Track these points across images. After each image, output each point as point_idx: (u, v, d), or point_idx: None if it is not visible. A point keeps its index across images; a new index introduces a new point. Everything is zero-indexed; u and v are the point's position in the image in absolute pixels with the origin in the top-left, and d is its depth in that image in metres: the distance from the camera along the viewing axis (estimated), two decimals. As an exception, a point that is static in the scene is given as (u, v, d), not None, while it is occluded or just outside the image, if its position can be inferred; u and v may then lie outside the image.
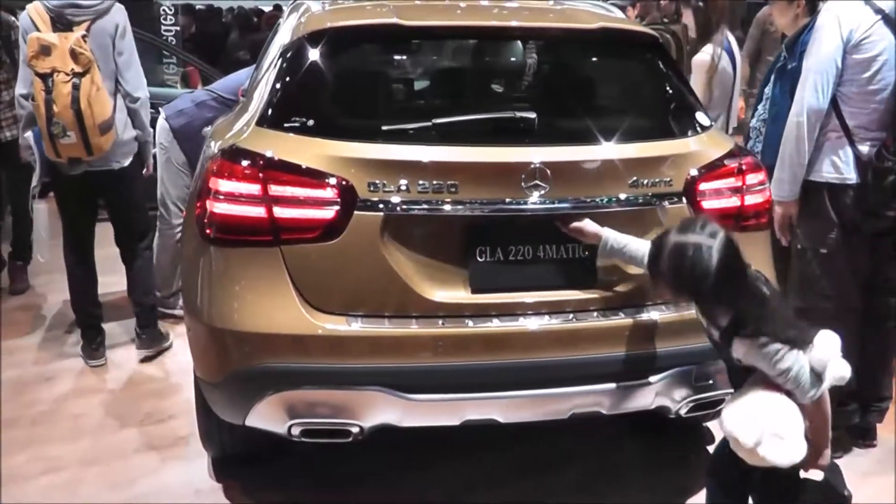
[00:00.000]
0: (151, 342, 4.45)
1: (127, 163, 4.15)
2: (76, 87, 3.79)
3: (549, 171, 2.58)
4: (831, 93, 3.31)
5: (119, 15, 4.08)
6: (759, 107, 3.94)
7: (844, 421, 3.47)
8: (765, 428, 2.25)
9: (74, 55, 3.79)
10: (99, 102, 3.86)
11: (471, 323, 2.59)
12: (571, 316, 2.66)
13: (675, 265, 2.28)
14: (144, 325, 4.43)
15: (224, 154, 2.66)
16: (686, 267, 2.25)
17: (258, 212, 2.53)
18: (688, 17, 5.44)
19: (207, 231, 2.61)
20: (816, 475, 2.47)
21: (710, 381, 2.78)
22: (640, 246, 2.60)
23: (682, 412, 2.84)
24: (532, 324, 2.62)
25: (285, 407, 2.59)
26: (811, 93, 3.31)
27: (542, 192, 2.59)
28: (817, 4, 3.67)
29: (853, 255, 3.39)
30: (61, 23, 3.90)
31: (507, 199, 2.59)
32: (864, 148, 3.31)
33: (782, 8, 3.83)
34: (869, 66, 3.26)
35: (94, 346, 4.39)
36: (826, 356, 2.30)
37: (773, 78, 3.83)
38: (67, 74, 3.78)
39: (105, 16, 4.01)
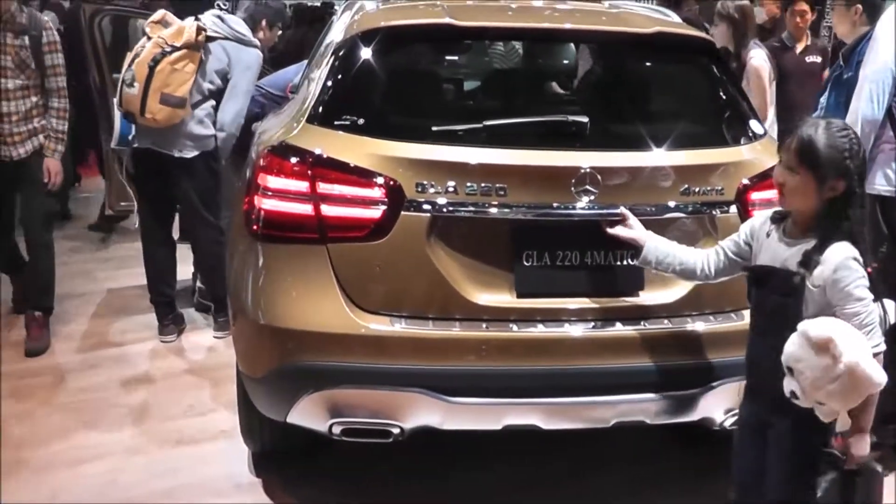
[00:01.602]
0: (227, 325, 4.43)
1: (190, 155, 4.24)
2: (164, 53, 3.98)
3: (599, 177, 2.55)
4: (887, 103, 3.23)
5: (254, 56, 4.37)
6: (814, 116, 3.87)
7: (887, 439, 3.39)
8: (858, 338, 2.10)
9: (181, 34, 4.03)
10: (176, 76, 4.03)
11: (515, 327, 2.57)
12: (617, 323, 2.62)
13: (834, 140, 2.18)
14: (221, 311, 4.47)
15: (273, 150, 2.67)
16: (844, 142, 2.19)
17: (306, 209, 2.54)
18: (717, 30, 5.37)
19: (255, 227, 2.62)
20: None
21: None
22: (687, 256, 2.55)
23: (727, 424, 2.79)
24: (577, 330, 2.60)
25: (327, 405, 2.59)
26: (866, 103, 3.25)
27: (592, 197, 2.56)
28: (877, 13, 3.59)
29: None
30: (198, 27, 4.12)
31: (556, 204, 2.57)
32: None
33: (840, 15, 3.78)
34: None
35: (166, 323, 4.55)
36: (892, 316, 2.22)
37: (828, 87, 3.76)
38: (167, 42, 4.01)
39: (239, 44, 4.31)
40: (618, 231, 2.58)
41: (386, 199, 2.52)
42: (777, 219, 2.38)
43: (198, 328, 4.75)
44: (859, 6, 3.65)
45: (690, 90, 3.07)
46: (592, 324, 2.62)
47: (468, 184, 2.53)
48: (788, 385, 2.18)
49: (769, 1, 6.29)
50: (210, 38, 4.18)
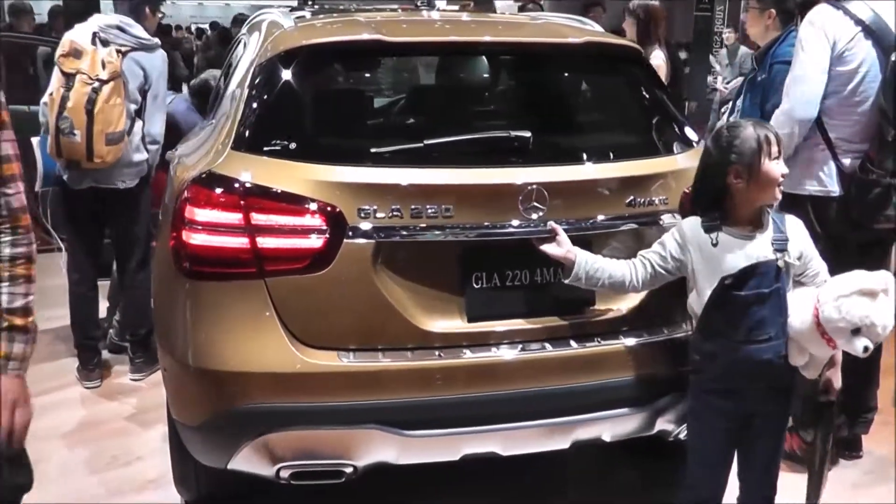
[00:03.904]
0: (145, 366, 4.34)
1: (133, 184, 4.10)
2: (95, 91, 3.80)
3: (545, 193, 2.49)
4: (819, 101, 3.27)
5: (161, 59, 4.19)
6: (731, 118, 3.92)
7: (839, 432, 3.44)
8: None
9: (103, 64, 3.82)
10: (114, 112, 3.86)
11: (468, 353, 2.48)
12: (571, 341, 2.56)
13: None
14: (139, 350, 4.34)
15: (199, 181, 2.50)
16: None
17: (240, 242, 2.39)
18: (628, 28, 5.48)
19: (184, 264, 2.45)
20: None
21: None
22: (615, 268, 2.52)
23: (682, 435, 2.77)
24: (531, 352, 2.52)
25: (273, 450, 2.44)
26: (800, 104, 3.26)
27: (540, 213, 2.50)
28: (791, 19, 3.66)
29: (837, 268, 3.36)
30: (101, 40, 3.91)
31: (504, 223, 2.49)
32: (847, 160, 3.30)
33: (754, 18, 3.82)
34: (851, 78, 3.25)
35: (90, 368, 4.29)
36: None
37: (743, 90, 3.81)
38: (91, 78, 3.80)
39: (146, 51, 4.10)
40: (547, 248, 2.51)
41: (326, 227, 2.39)
42: (714, 227, 2.43)
43: (114, 371, 4.47)
44: (773, 10, 3.71)
45: (624, 99, 3.05)
46: (546, 344, 2.54)
47: (412, 206, 2.43)
48: (860, 343, 2.30)
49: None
50: (119, 52, 3.95)
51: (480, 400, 2.46)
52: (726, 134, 2.44)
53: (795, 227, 2.50)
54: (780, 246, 2.41)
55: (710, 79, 10.20)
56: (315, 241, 2.38)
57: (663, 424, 2.68)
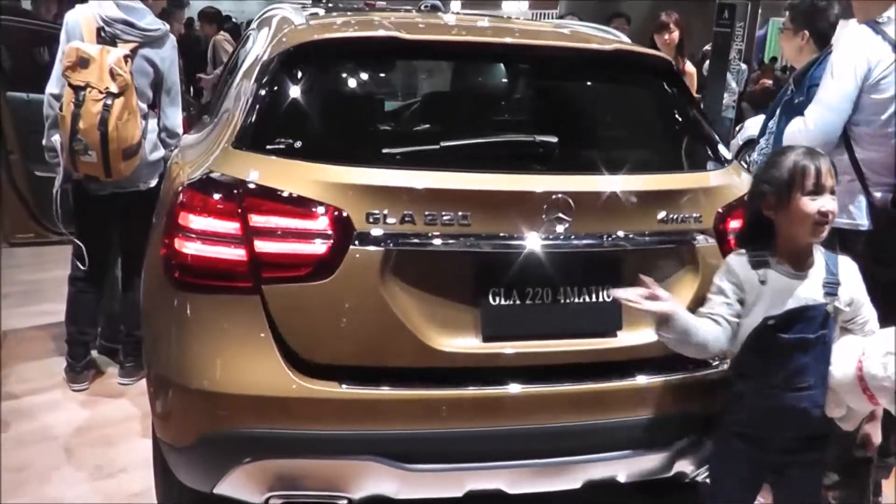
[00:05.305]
0: (135, 370, 4.18)
1: (153, 183, 3.95)
2: (107, 108, 3.62)
3: (571, 202, 2.30)
4: (841, 130, 3.13)
5: (171, 48, 3.99)
6: (762, 140, 3.76)
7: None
8: None
9: (112, 74, 3.62)
10: (128, 128, 3.69)
11: (481, 384, 2.29)
12: (590, 375, 2.38)
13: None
14: (131, 354, 4.19)
15: (195, 185, 2.33)
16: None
17: (236, 253, 2.21)
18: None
19: (175, 274, 2.27)
20: None
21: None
22: (707, 328, 2.25)
23: (700, 477, 2.60)
24: (548, 385, 2.33)
25: (263, 477, 2.27)
26: (820, 132, 3.11)
27: (566, 225, 2.31)
28: (826, 41, 3.51)
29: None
30: (107, 36, 3.73)
31: (526, 234, 2.30)
32: (878, 193, 3.13)
33: (787, 38, 3.67)
34: (886, 107, 3.08)
35: (78, 369, 4.14)
36: None
37: (778, 112, 3.65)
38: (101, 92, 3.62)
39: (155, 44, 3.89)
40: (649, 306, 2.17)
41: (331, 232, 2.20)
42: (761, 262, 2.26)
43: (102, 374, 4.31)
44: (806, 32, 3.55)
45: (655, 112, 2.88)
46: (567, 377, 2.35)
47: (426, 212, 2.23)
48: None
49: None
50: (127, 57, 3.74)
51: (490, 434, 2.28)
52: (769, 160, 2.29)
53: (849, 270, 2.32)
54: (831, 290, 2.24)
55: (725, 96, 10.10)
56: (318, 247, 2.20)
57: (682, 466, 2.51)
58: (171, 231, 2.30)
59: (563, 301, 2.39)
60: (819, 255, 2.29)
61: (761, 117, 4.23)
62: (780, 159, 2.25)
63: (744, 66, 9.29)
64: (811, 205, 2.19)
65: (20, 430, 3.72)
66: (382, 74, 2.86)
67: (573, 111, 2.89)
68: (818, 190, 2.20)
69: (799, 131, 3.18)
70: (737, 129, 9.05)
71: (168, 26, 4.07)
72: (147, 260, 2.67)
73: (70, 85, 3.62)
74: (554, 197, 2.29)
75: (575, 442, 2.34)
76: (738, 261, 2.30)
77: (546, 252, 2.32)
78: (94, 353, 4.35)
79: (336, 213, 2.21)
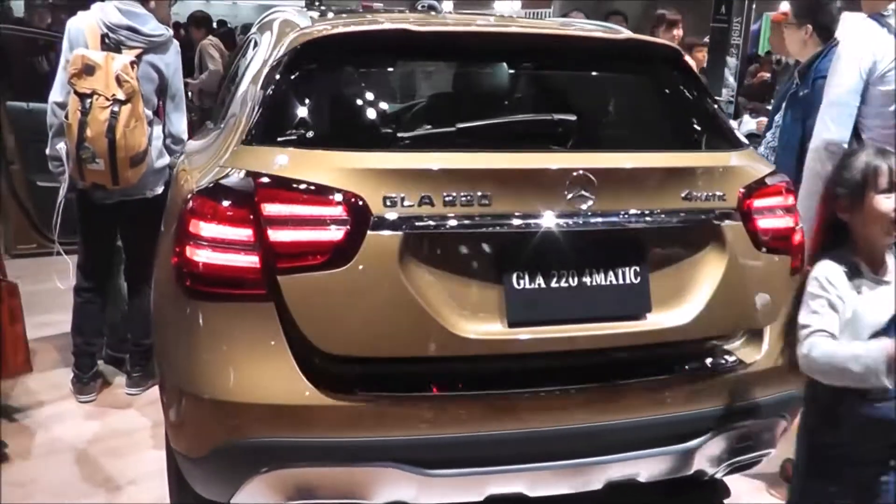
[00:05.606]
0: (143, 380, 4.18)
1: (160, 190, 3.93)
2: (114, 115, 3.58)
3: (594, 178, 2.26)
4: (852, 125, 3.12)
5: (175, 53, 3.96)
6: (769, 134, 3.77)
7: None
8: None
9: (119, 81, 3.59)
10: (135, 135, 3.66)
11: (501, 387, 2.26)
12: (622, 369, 2.37)
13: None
14: (138, 364, 4.17)
15: (206, 191, 2.29)
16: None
17: (249, 260, 2.17)
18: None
19: (186, 282, 2.24)
20: None
21: (752, 442, 2.54)
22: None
23: (719, 475, 2.58)
24: (571, 387, 2.31)
25: (282, 486, 2.24)
26: (829, 125, 3.11)
27: (589, 203, 2.27)
28: (830, 35, 3.50)
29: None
30: (111, 42, 3.69)
31: (548, 213, 2.26)
32: None
33: (791, 33, 3.66)
34: (893, 99, 3.06)
35: (85, 381, 4.09)
36: None
37: (783, 105, 3.64)
38: (108, 100, 3.59)
39: (159, 49, 3.86)
40: None
41: (347, 218, 2.15)
42: (852, 269, 2.20)
43: (109, 384, 4.28)
44: (809, 25, 3.54)
45: (669, 98, 2.85)
46: (594, 376, 2.33)
47: (445, 193, 2.19)
48: None
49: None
50: (133, 63, 3.72)
51: (514, 437, 2.25)
52: (840, 163, 2.25)
53: None
54: None
55: (723, 90, 10.08)
56: (334, 234, 2.14)
57: (701, 464, 2.48)
58: (182, 239, 2.26)
59: (589, 283, 2.33)
60: (890, 258, 2.24)
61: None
62: (851, 161, 2.22)
63: (731, 61, 9.22)
64: (886, 203, 2.16)
65: (27, 444, 3.68)
66: (393, 69, 2.81)
67: (590, 96, 2.89)
68: (892, 188, 2.17)
69: (815, 135, 3.20)
70: (736, 123, 9.04)
71: (171, 31, 4.04)
72: (157, 268, 2.63)
73: (76, 93, 3.59)
74: (575, 173, 2.25)
75: (599, 441, 2.31)
76: (827, 271, 2.21)
77: (570, 231, 2.27)
78: (100, 363, 4.32)
79: (352, 198, 2.16)
